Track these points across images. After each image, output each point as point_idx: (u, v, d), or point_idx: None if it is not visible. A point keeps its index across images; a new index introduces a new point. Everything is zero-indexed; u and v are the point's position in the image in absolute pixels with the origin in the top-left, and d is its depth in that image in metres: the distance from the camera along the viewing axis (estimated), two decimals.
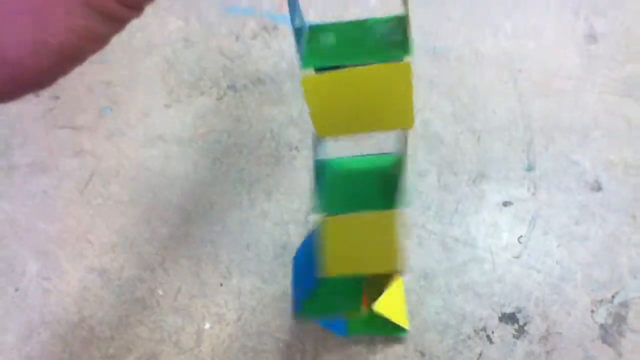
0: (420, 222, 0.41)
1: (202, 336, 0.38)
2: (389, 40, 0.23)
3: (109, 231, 0.43)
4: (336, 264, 0.25)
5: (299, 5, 0.23)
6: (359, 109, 0.23)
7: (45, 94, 0.51)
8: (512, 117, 0.46)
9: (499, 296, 0.38)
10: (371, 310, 0.31)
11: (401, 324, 0.35)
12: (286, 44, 0.53)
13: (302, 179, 0.44)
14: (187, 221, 0.43)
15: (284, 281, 0.40)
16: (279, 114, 0.48)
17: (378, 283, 0.29)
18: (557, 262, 0.39)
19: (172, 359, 0.38)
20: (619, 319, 0.37)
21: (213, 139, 0.47)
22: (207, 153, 0.47)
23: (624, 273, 0.38)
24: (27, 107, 0.50)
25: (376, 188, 0.27)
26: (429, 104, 0.47)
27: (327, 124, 0.24)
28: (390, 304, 0.34)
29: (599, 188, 0.42)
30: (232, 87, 0.50)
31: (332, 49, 0.23)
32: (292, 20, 0.23)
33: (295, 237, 0.41)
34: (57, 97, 0.51)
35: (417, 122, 0.46)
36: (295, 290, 0.32)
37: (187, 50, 0.53)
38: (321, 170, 0.27)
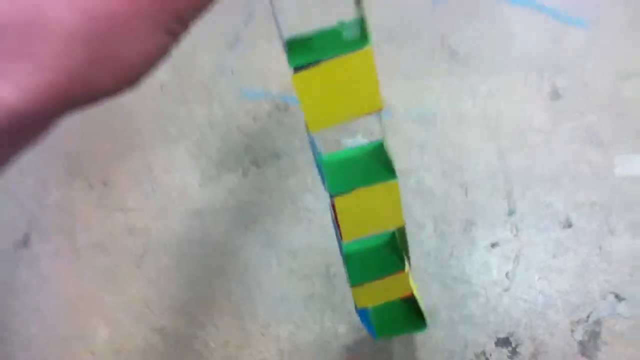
0: (422, 267, 0.49)
1: None
2: (354, 36, 0.27)
3: (164, 297, 0.51)
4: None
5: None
6: (339, 98, 0.28)
7: (96, 182, 0.60)
8: (493, 170, 0.54)
9: (494, 324, 0.46)
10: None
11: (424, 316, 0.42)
12: (296, 121, 0.62)
13: (320, 237, 0.53)
14: (228, 282, 0.51)
15: (314, 326, 0.48)
16: (296, 183, 0.57)
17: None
18: (539, 292, 0.47)
19: None
20: (594, 335, 0.44)
21: (242, 210, 0.56)
22: (238, 221, 0.55)
23: (595, 296, 0.46)
24: (83, 195, 0.59)
25: (369, 160, 0.33)
26: (422, 164, 0.56)
27: (316, 117, 0.28)
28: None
29: (569, 225, 0.50)
30: (254, 162, 0.59)
31: (310, 50, 0.27)
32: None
33: (320, 288, 0.50)
34: (106, 184, 0.60)
35: (412, 180, 0.55)
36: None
37: (213, 133, 0.62)
38: (321, 162, 0.33)
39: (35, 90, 0.15)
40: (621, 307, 0.45)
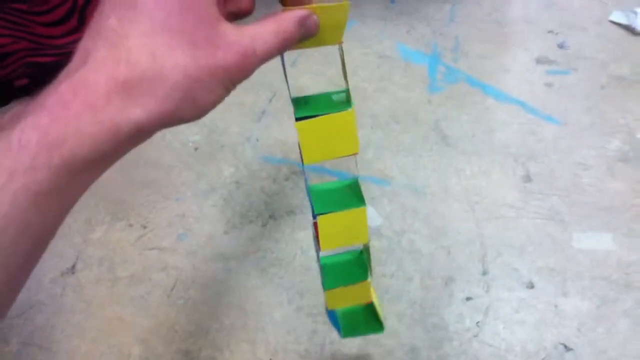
0: (409, 313, 0.59)
1: None
2: (342, 100, 0.37)
3: (190, 323, 0.61)
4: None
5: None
6: (328, 142, 0.36)
7: (136, 224, 0.71)
8: (471, 236, 0.65)
9: None
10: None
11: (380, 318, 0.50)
12: None
13: None
14: (245, 315, 0.61)
15: (315, 355, 0.57)
16: (306, 237, 0.68)
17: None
18: (503, 339, 0.57)
19: None
20: None
21: (260, 256, 0.66)
22: (257, 265, 0.66)
23: (547, 346, 0.56)
24: (124, 235, 0.70)
25: (346, 192, 0.42)
26: (413, 227, 0.67)
27: (310, 154, 0.36)
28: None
29: (532, 286, 0.60)
30: (272, 216, 0.70)
31: (309, 107, 0.36)
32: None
33: (322, 325, 0.59)
34: (145, 227, 0.71)
35: (404, 240, 0.65)
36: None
37: (238, 190, 0.74)
38: (310, 190, 0.42)
39: (152, 114, 0.24)
40: (568, 356, 0.55)
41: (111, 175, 0.79)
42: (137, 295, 0.64)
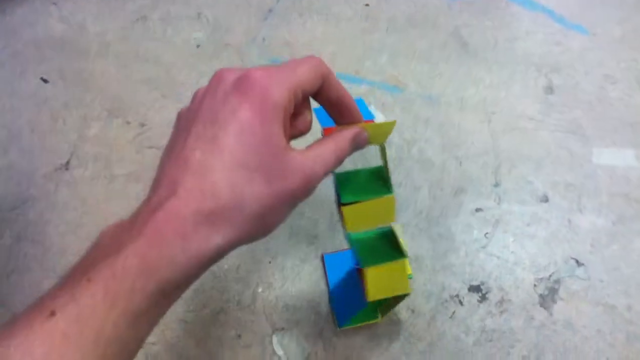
0: (413, 222, 0.57)
1: (256, 297, 0.53)
2: (379, 183, 0.41)
3: None
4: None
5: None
6: (369, 217, 0.41)
7: (134, 122, 0.68)
8: (486, 148, 0.62)
9: (469, 274, 0.53)
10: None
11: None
12: None
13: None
14: None
15: (315, 260, 0.55)
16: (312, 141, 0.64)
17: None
18: (511, 252, 0.54)
19: (235, 313, 0.53)
20: (553, 291, 0.52)
21: None
22: None
23: (558, 260, 0.53)
24: (121, 132, 0.67)
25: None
26: (424, 137, 0.63)
27: (353, 226, 0.41)
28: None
29: (546, 200, 0.57)
30: None
31: (354, 193, 0.41)
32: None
33: (324, 237, 0.57)
34: (143, 125, 0.67)
35: (414, 149, 0.62)
36: (337, 307, 0.51)
37: None
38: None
39: (231, 239, 0.27)
40: (579, 271, 0.53)
41: (108, 70, 0.75)
42: (135, 193, 0.61)
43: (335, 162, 0.31)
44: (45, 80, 0.73)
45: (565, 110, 0.64)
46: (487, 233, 0.56)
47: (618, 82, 0.66)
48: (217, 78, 0.30)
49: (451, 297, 0.52)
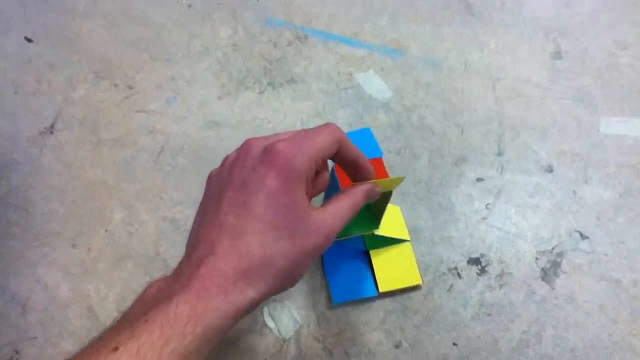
0: (412, 191, 0.55)
1: None
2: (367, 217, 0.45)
3: (177, 191, 0.57)
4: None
5: None
6: (393, 262, 0.50)
7: (122, 84, 0.65)
8: (489, 115, 0.59)
9: (468, 246, 0.51)
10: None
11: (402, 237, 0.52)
12: (314, 52, 0.66)
13: None
14: None
15: None
16: (307, 108, 0.61)
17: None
18: (513, 224, 0.52)
19: None
20: (555, 264, 0.50)
21: (256, 124, 0.61)
22: (251, 135, 0.60)
23: (562, 233, 0.51)
24: (108, 95, 0.64)
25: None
26: (425, 102, 0.60)
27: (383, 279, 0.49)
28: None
29: (550, 170, 0.55)
30: (271, 84, 0.63)
31: (377, 243, 0.50)
32: None
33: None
34: (132, 87, 0.64)
35: (414, 116, 0.59)
36: (332, 283, 0.50)
37: (235, 54, 0.66)
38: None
39: (263, 293, 0.30)
40: (583, 244, 0.51)
41: (95, 30, 0.71)
42: (122, 159, 0.59)
43: (351, 216, 0.35)
44: (29, 40, 0.69)
45: (573, 77, 0.61)
46: (488, 204, 0.53)
47: (629, 47, 0.63)
48: (246, 147, 0.35)
49: (449, 269, 0.50)
